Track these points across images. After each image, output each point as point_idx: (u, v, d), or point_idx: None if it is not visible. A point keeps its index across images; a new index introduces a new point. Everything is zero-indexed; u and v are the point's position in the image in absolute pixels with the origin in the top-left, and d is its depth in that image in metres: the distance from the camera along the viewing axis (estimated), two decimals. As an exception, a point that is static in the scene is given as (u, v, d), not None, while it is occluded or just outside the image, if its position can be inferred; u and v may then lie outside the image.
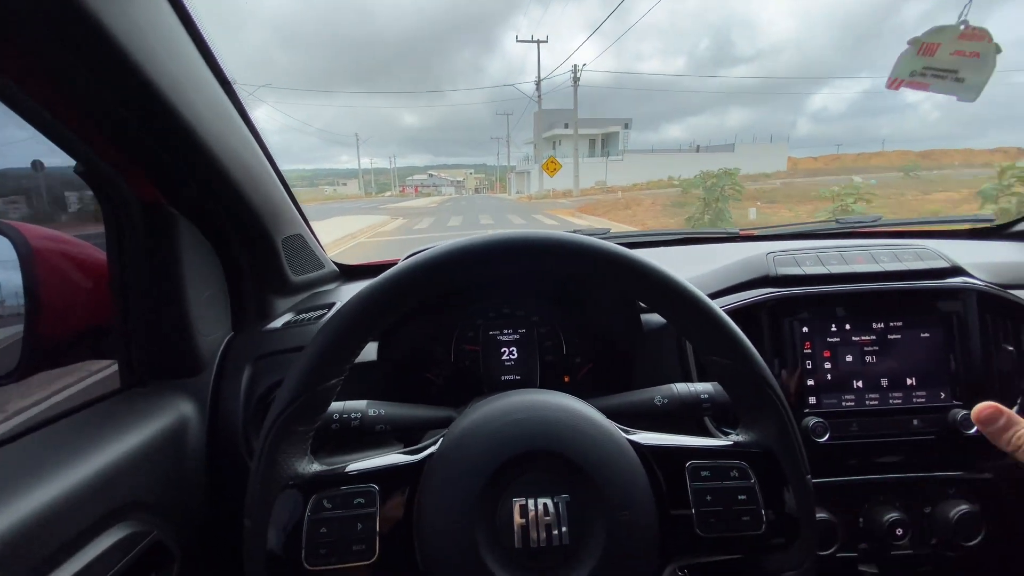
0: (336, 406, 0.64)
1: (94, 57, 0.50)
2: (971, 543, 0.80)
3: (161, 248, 0.70)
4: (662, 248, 1.26)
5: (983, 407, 0.50)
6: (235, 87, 0.68)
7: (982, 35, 0.79)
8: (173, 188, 0.69)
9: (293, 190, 0.93)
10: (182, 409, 0.72)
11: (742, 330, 0.50)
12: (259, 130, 0.77)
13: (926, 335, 0.83)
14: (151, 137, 0.61)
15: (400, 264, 0.48)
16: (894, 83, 0.84)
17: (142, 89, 0.54)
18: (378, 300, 0.48)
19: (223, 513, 0.75)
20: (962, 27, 0.80)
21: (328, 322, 0.47)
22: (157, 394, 0.72)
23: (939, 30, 0.81)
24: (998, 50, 0.81)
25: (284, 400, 0.46)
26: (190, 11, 0.58)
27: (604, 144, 55.18)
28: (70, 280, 0.70)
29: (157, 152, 0.63)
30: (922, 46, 0.82)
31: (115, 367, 0.76)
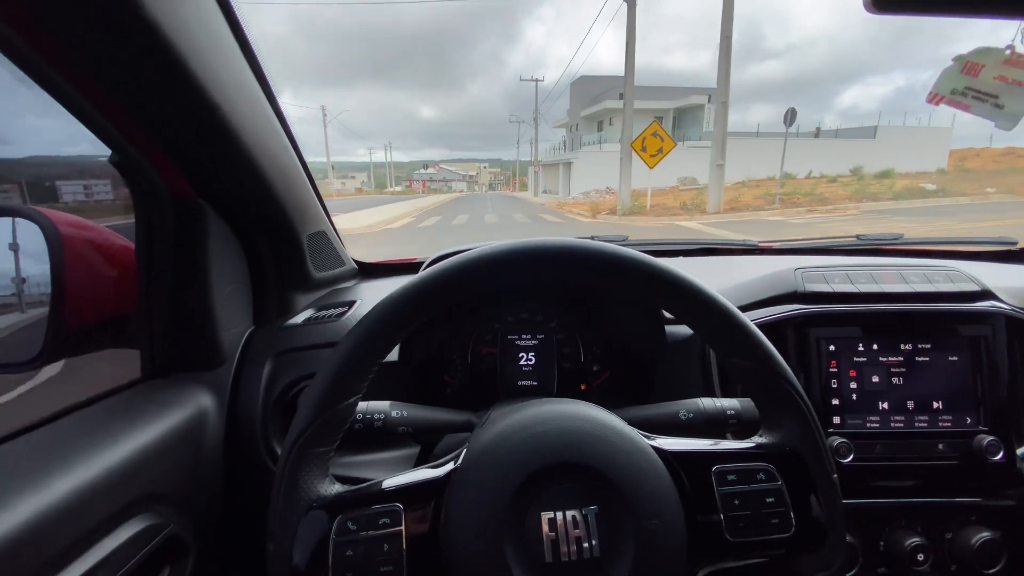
0: (360, 406, 0.64)
1: (140, 51, 0.50)
2: (992, 571, 0.78)
3: (189, 240, 0.70)
4: (683, 258, 1.25)
5: None
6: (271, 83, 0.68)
7: None
8: (205, 181, 0.69)
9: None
10: (201, 402, 0.72)
11: None
12: (291, 127, 0.76)
13: (954, 358, 0.82)
14: (188, 130, 0.61)
15: (417, 277, 0.47)
16: (934, 98, 0.82)
17: (184, 83, 0.54)
18: (392, 317, 0.47)
19: (238, 507, 0.75)
20: (1008, 52, 0.78)
21: (342, 342, 0.47)
22: (177, 386, 0.71)
23: (984, 51, 0.79)
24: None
25: (302, 423, 0.45)
26: (235, 10, 0.58)
27: (677, 123, 38.61)
28: (95, 268, 0.70)
29: (192, 145, 0.63)
30: (966, 64, 0.80)
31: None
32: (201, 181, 0.69)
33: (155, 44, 0.49)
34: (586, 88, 42.39)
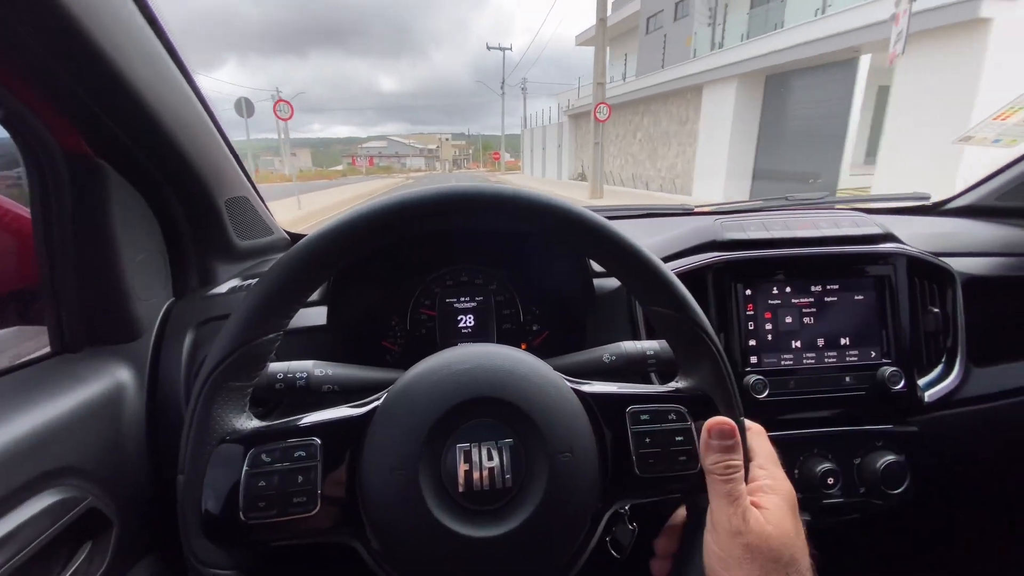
0: (281, 366, 0.63)
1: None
2: (896, 491, 0.86)
3: (88, 203, 0.66)
4: (624, 220, 1.28)
5: (719, 421, 0.47)
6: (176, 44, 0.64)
7: None
8: (99, 137, 0.64)
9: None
10: (118, 376, 0.69)
11: (690, 292, 0.51)
12: (199, 86, 0.72)
13: (860, 297, 0.88)
14: (74, 80, 0.56)
15: (342, 215, 0.47)
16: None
17: (67, 31, 0.50)
18: (316, 252, 0.46)
19: (164, 480, 0.73)
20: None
21: (264, 275, 0.46)
22: (90, 360, 0.68)
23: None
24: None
25: (217, 355, 0.45)
26: None
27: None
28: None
29: (81, 97, 0.58)
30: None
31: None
32: (96, 137, 0.64)
33: None
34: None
